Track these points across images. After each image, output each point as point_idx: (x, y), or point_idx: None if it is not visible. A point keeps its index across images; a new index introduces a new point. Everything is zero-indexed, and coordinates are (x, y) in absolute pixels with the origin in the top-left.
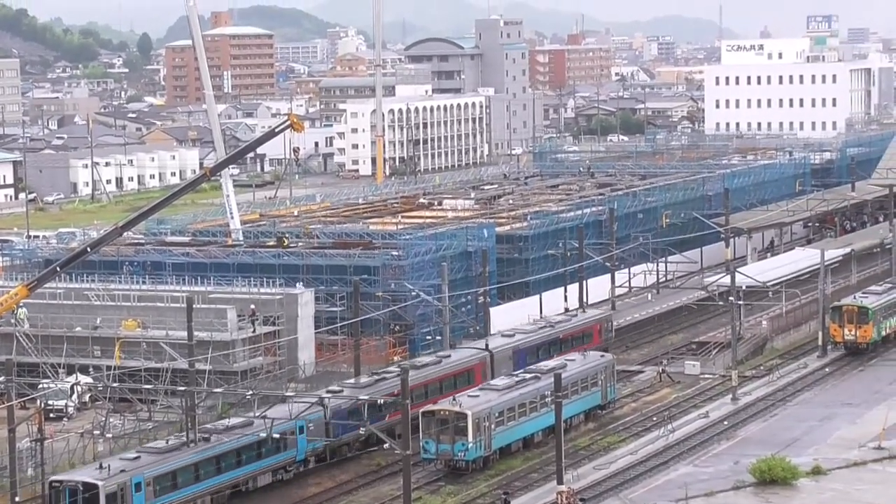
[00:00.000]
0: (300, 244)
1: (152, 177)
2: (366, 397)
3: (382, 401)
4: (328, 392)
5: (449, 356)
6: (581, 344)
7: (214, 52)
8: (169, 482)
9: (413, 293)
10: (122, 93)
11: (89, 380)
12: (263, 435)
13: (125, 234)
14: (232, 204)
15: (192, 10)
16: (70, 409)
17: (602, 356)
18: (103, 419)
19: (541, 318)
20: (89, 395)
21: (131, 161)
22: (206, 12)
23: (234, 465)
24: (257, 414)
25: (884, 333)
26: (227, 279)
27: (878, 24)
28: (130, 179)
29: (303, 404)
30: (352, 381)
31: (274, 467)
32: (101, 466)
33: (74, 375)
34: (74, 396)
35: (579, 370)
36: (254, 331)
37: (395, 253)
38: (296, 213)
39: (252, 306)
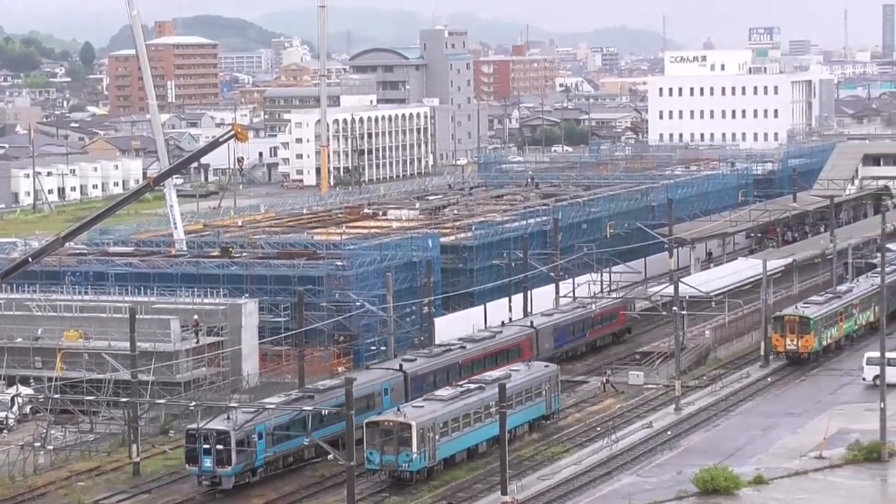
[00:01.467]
0: (244, 254)
1: (95, 187)
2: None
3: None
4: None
5: (501, 332)
6: (609, 322)
7: (158, 62)
8: (283, 432)
9: (357, 303)
10: (65, 102)
11: (30, 391)
12: (356, 395)
13: (67, 244)
14: (175, 214)
15: (136, 19)
16: (10, 421)
17: (546, 366)
18: (44, 431)
19: (574, 299)
20: (30, 406)
21: (73, 171)
22: (149, 22)
23: (332, 420)
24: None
25: (825, 343)
26: (170, 289)
27: (818, 36)
28: (73, 189)
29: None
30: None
31: None
32: (228, 417)
33: (15, 387)
34: (15, 408)
35: (524, 380)
36: (197, 341)
37: (339, 263)
38: (240, 224)
39: (195, 317)
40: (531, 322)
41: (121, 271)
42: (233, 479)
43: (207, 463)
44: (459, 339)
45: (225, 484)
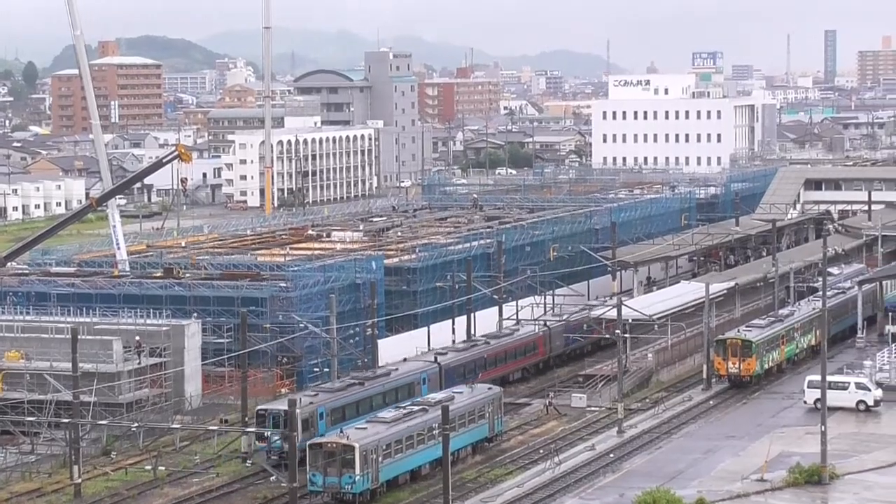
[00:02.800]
0: (187, 275)
1: (37, 207)
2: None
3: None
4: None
5: (518, 329)
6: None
7: (101, 82)
8: (339, 414)
9: (301, 325)
10: (7, 122)
11: None
12: (400, 383)
13: (9, 264)
14: (118, 234)
15: (79, 39)
16: None
17: (490, 388)
18: None
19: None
20: None
21: (16, 190)
22: (93, 41)
23: (380, 405)
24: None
25: (767, 367)
26: (113, 310)
27: (761, 61)
28: (15, 209)
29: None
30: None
31: None
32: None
33: None
34: None
35: (467, 403)
36: (139, 363)
37: (283, 284)
38: (183, 244)
39: (137, 337)
40: (545, 322)
41: (63, 292)
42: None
43: (276, 440)
44: (483, 336)
45: None
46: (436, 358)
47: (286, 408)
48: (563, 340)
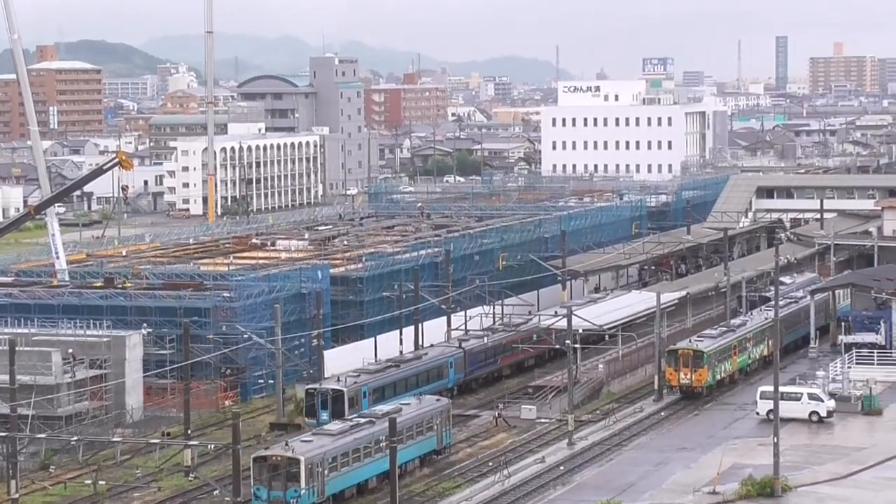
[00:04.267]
0: (129, 285)
1: None
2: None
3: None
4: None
5: (532, 319)
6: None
7: (40, 87)
8: (380, 393)
9: (245, 336)
10: None
11: None
12: (430, 366)
13: None
14: (58, 243)
15: (16, 43)
16: None
17: (438, 400)
18: None
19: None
20: None
21: None
22: (31, 46)
23: (414, 386)
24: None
25: (718, 377)
26: (52, 321)
27: (712, 67)
28: None
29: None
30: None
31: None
32: (339, 380)
33: None
34: None
35: (415, 414)
36: (72, 375)
37: (226, 294)
38: (124, 254)
39: (70, 350)
40: (459, 343)
41: (0, 302)
42: None
43: (324, 416)
44: (501, 324)
45: None
46: (460, 343)
47: (334, 387)
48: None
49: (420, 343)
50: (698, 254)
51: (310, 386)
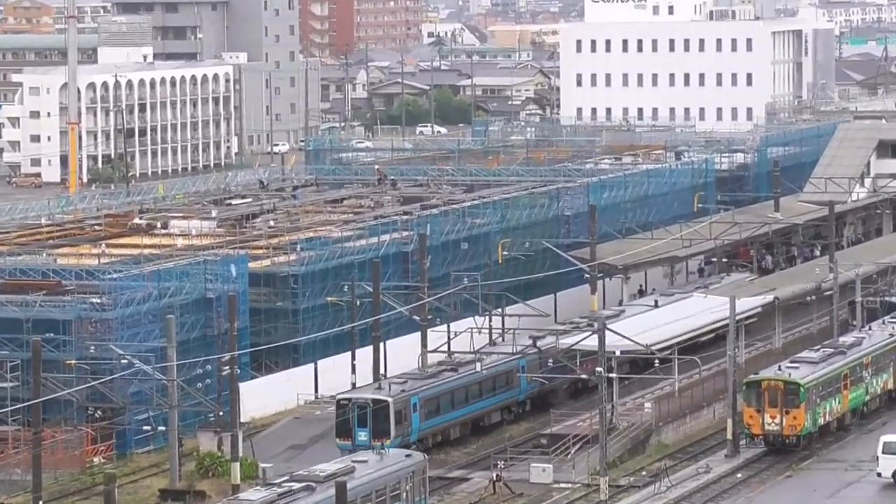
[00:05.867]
0: None
1: None
2: None
3: None
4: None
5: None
6: None
7: None
8: (434, 405)
9: (123, 361)
10: None
11: None
12: (496, 370)
13: None
14: None
15: None
16: None
17: (408, 456)
18: None
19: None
20: None
21: None
22: None
23: (476, 396)
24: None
25: (822, 421)
26: None
27: None
28: None
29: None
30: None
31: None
32: (380, 387)
33: None
34: None
35: (374, 477)
36: None
37: (95, 300)
38: None
39: None
40: (534, 341)
41: None
42: None
43: (362, 435)
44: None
45: None
46: (535, 341)
47: (378, 396)
48: None
49: (383, 371)
50: (791, 240)
51: (342, 395)
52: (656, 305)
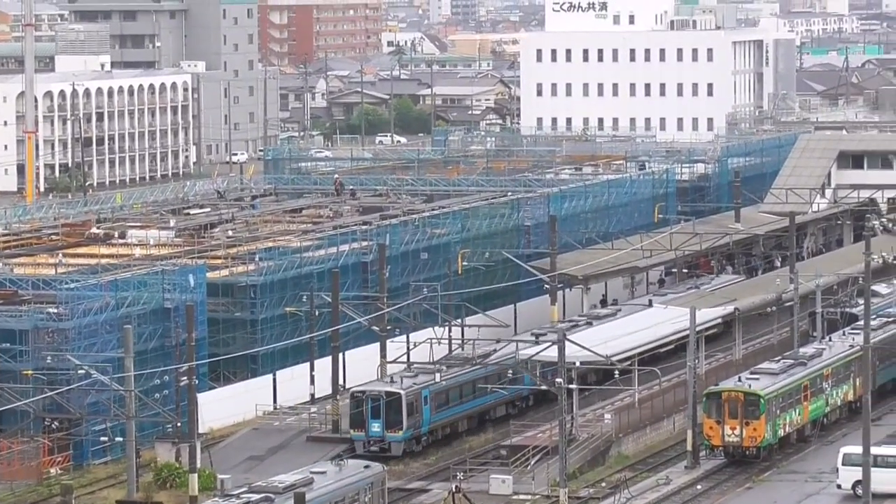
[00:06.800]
0: None
1: None
2: None
3: None
4: None
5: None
6: None
7: None
8: (443, 398)
9: (80, 371)
10: None
11: None
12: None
13: None
14: None
15: None
16: None
17: (367, 467)
18: None
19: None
20: None
21: None
22: None
23: (485, 390)
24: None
25: (782, 433)
26: None
27: None
28: None
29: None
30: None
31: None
32: (391, 380)
33: None
34: None
35: (332, 488)
36: None
37: (52, 310)
38: None
39: None
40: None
41: None
42: None
43: (376, 426)
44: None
45: None
46: (537, 338)
47: (391, 388)
48: None
49: (341, 382)
50: (752, 250)
51: (357, 388)
52: (650, 305)
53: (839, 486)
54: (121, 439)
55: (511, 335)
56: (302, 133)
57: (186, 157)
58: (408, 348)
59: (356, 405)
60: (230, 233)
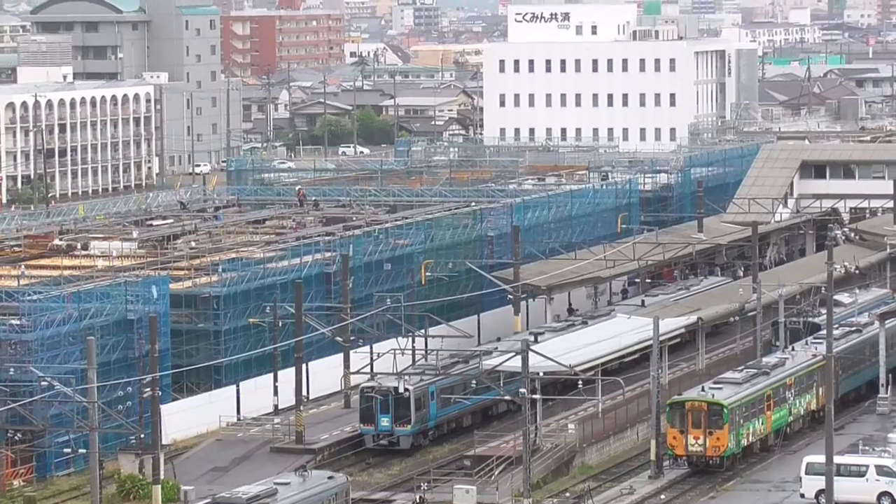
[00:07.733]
0: None
1: None
2: None
3: None
4: None
5: None
6: None
7: None
8: (448, 394)
9: (43, 383)
10: None
11: None
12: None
13: None
14: None
15: None
16: None
17: (331, 478)
18: None
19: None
20: None
21: None
22: None
23: (485, 388)
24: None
25: (745, 442)
26: None
27: None
28: None
29: None
30: None
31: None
32: (400, 377)
33: None
34: None
35: (296, 499)
36: None
37: (15, 321)
38: None
39: None
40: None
41: None
42: None
43: (385, 421)
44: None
45: None
46: (536, 338)
47: (397, 385)
48: None
49: (305, 393)
50: (715, 260)
51: (366, 384)
52: (643, 305)
53: (802, 496)
54: (84, 451)
55: (474, 345)
56: (265, 144)
57: (149, 168)
58: (371, 359)
59: (366, 401)
60: (193, 244)
